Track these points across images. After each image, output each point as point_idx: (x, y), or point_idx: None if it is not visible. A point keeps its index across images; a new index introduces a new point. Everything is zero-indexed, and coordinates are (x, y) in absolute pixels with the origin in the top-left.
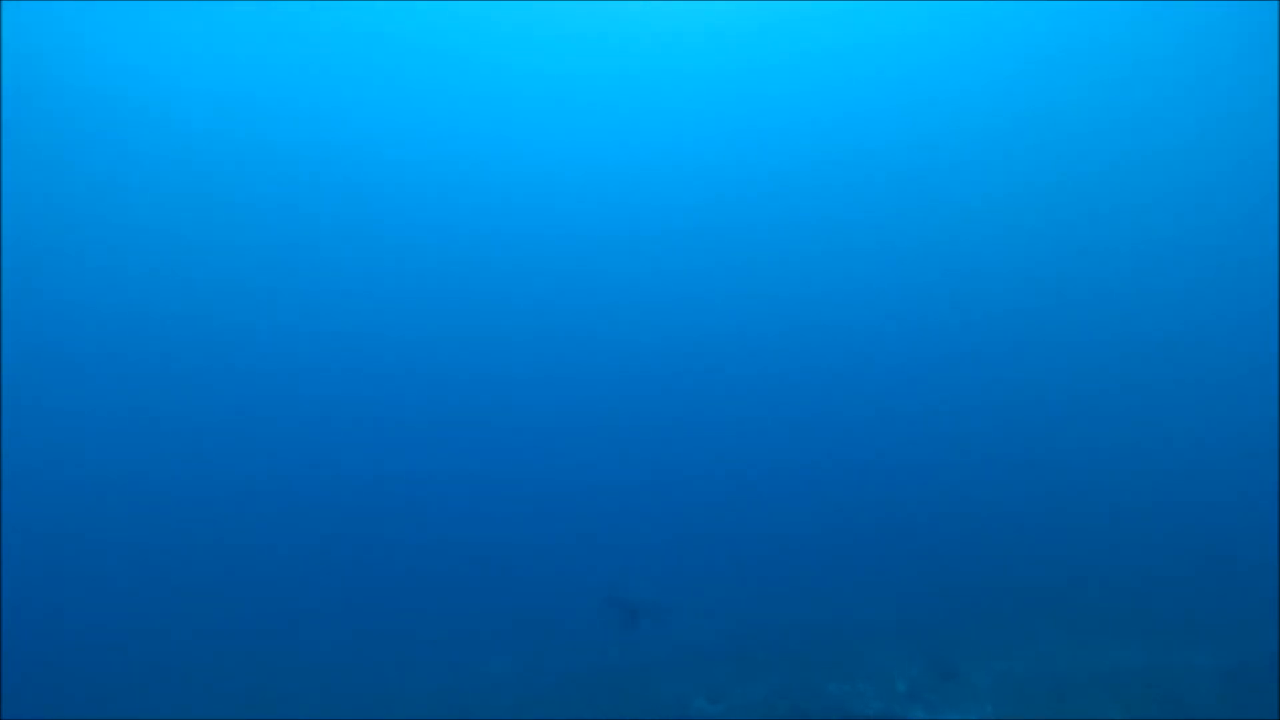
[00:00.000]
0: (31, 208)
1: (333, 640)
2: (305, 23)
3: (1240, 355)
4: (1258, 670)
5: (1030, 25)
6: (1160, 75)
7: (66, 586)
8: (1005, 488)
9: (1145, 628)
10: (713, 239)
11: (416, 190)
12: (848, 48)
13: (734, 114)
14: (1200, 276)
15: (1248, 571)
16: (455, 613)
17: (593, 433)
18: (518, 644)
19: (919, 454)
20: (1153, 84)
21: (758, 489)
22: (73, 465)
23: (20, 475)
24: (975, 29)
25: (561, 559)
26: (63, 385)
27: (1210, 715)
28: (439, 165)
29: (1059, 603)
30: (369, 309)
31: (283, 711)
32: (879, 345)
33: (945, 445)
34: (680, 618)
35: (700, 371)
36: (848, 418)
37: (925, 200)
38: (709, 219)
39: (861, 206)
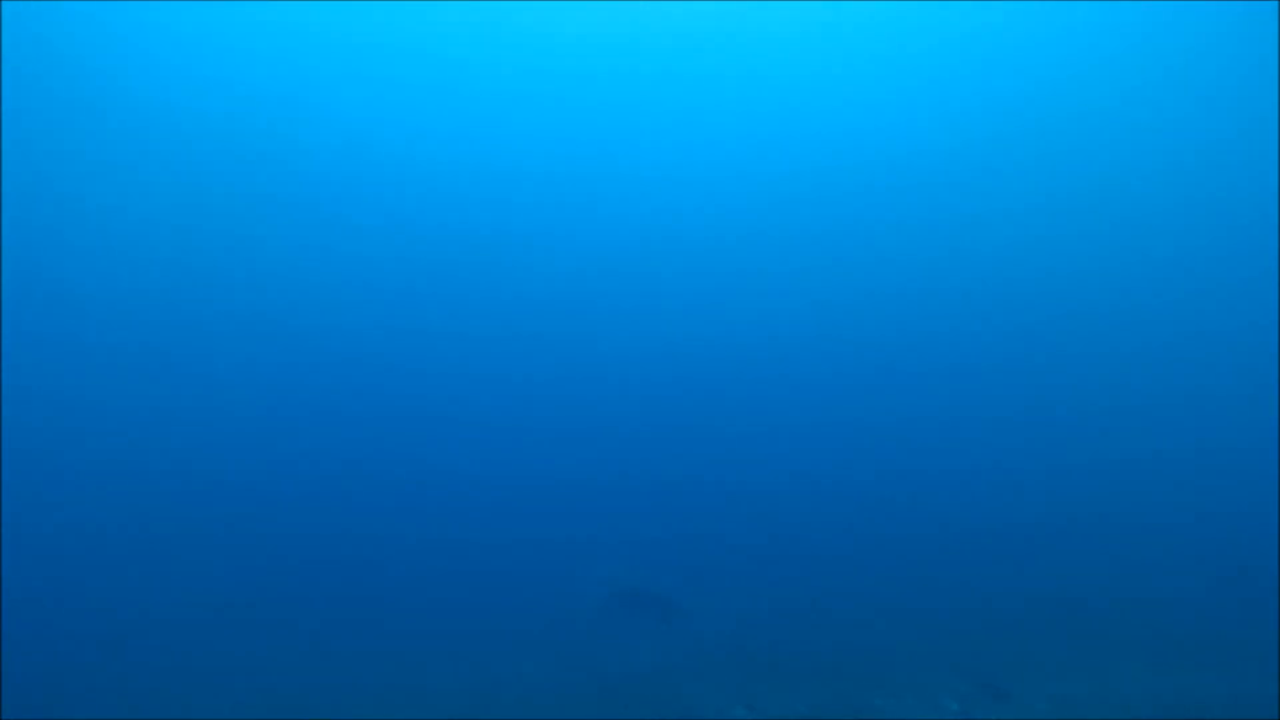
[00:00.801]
0: (31, 206)
1: (352, 640)
2: (309, 20)
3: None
4: None
5: (1033, 28)
6: (1160, 80)
7: (66, 586)
8: (1063, 503)
9: (1211, 651)
10: (733, 236)
11: (421, 191)
12: (854, 51)
13: (737, 118)
14: (1223, 283)
15: None
16: (482, 613)
17: (632, 435)
18: (548, 644)
19: (969, 465)
20: (1152, 88)
21: (803, 495)
22: (73, 464)
23: (20, 475)
24: (975, 32)
25: (595, 559)
26: (64, 384)
27: None
28: (443, 166)
29: (1118, 624)
30: (384, 304)
31: (293, 713)
32: (921, 353)
33: (994, 458)
34: (718, 624)
35: (741, 375)
36: (894, 427)
37: (927, 206)
38: (725, 215)
39: (868, 211)
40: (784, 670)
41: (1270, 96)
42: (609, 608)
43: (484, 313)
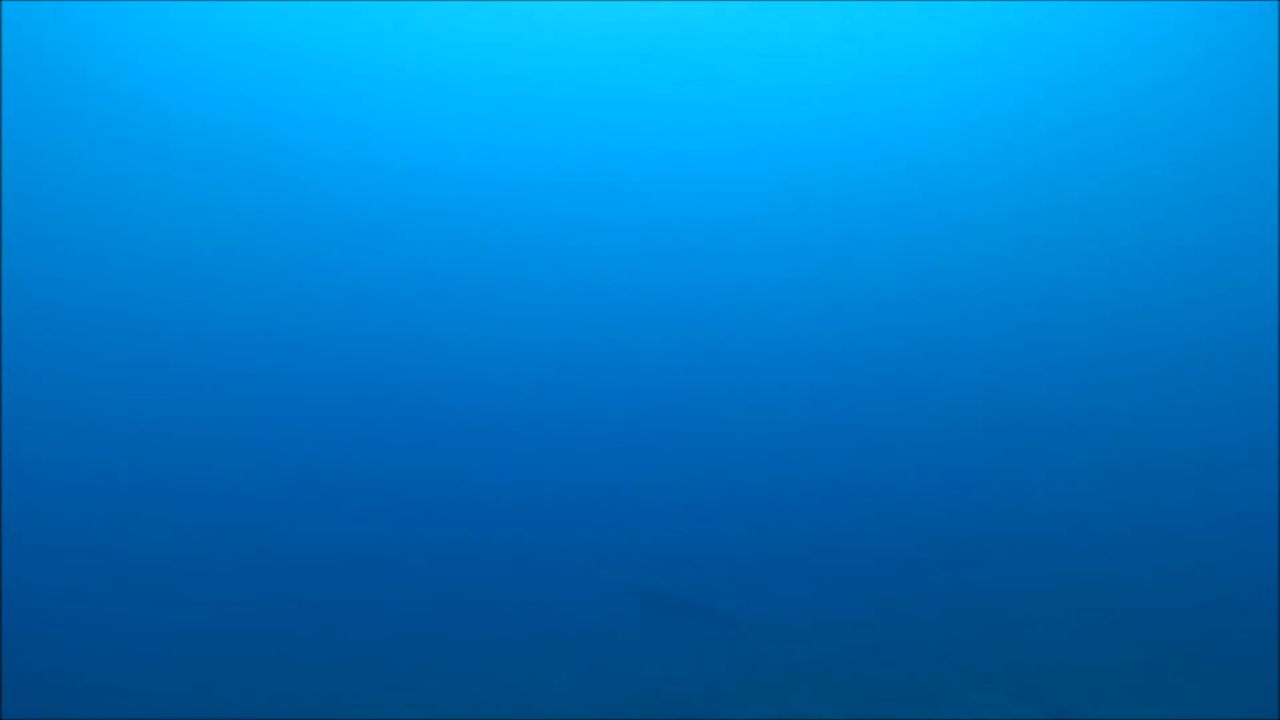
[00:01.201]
0: (32, 206)
1: (376, 648)
2: (311, 22)
3: None
4: None
5: (1034, 30)
6: (1160, 81)
7: (67, 586)
8: (1133, 518)
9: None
10: (757, 236)
11: (425, 192)
12: (856, 52)
13: (739, 121)
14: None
15: None
16: (513, 623)
17: (677, 439)
18: (582, 655)
19: (1031, 479)
20: (1152, 90)
21: (852, 505)
22: (73, 465)
23: (20, 475)
24: (975, 33)
25: (630, 565)
26: (64, 386)
27: None
28: (446, 169)
29: (1196, 649)
30: (403, 307)
31: (301, 713)
32: (968, 361)
33: (1055, 471)
34: (758, 634)
35: (790, 378)
36: (951, 438)
37: (939, 209)
38: (751, 211)
39: (896, 212)
40: (828, 687)
41: (1270, 96)
42: (645, 613)
43: (509, 316)
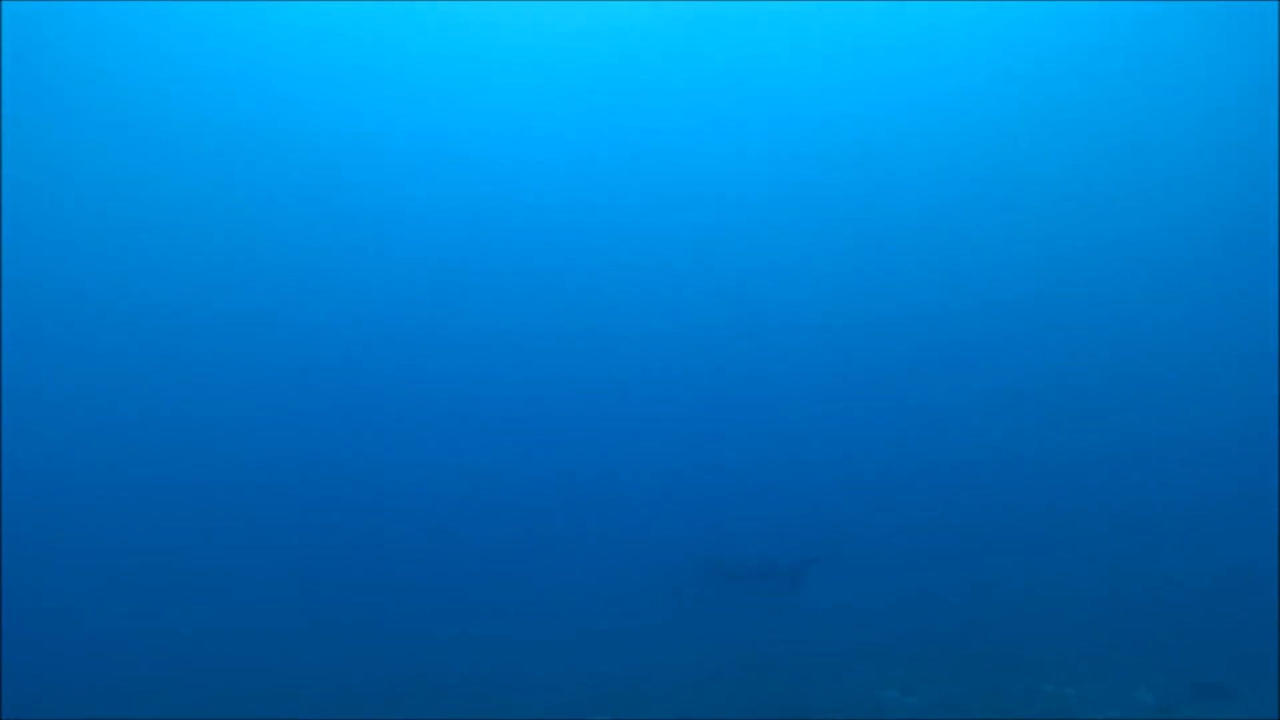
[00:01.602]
0: (33, 204)
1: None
2: (313, 20)
3: None
4: None
5: (1030, 25)
6: (1160, 76)
7: (67, 586)
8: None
9: None
10: (797, 226)
11: (427, 190)
12: (855, 49)
13: (740, 117)
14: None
15: None
16: (620, 592)
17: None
18: (695, 625)
19: (1162, 442)
20: (1152, 86)
21: (976, 471)
22: (74, 465)
23: (20, 475)
24: (973, 29)
25: (744, 540)
26: (63, 384)
27: None
28: (445, 165)
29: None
30: (433, 294)
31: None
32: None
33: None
34: (871, 605)
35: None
36: (1092, 397)
37: (936, 208)
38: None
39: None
40: (944, 653)
41: (1270, 96)
42: (739, 581)
43: (525, 312)
